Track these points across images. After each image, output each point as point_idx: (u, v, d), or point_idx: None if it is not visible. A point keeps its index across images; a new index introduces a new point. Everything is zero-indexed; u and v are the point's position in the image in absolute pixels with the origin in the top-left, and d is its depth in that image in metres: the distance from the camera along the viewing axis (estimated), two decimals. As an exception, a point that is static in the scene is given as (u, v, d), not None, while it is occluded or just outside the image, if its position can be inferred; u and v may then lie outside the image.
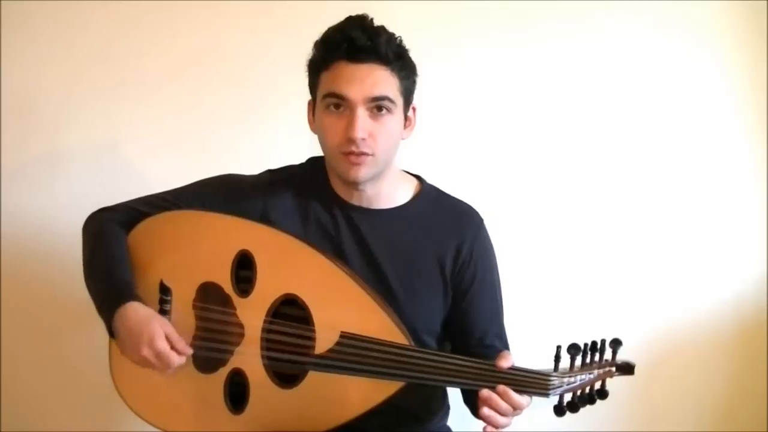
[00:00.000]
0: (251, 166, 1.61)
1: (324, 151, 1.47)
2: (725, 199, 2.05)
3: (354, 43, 1.36)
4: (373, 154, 1.40)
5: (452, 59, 2.01)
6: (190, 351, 1.42)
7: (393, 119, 1.41)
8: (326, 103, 1.40)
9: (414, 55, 1.46)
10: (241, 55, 2.02)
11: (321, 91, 1.42)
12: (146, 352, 1.36)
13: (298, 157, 1.62)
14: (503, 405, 1.27)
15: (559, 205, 2.04)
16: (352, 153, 1.39)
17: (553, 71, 2.02)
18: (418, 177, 1.59)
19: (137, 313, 1.39)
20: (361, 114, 1.37)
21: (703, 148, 2.04)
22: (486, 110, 2.03)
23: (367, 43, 1.36)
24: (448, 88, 1.99)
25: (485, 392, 1.27)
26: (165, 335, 1.38)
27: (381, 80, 1.38)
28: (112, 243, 1.51)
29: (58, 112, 2.02)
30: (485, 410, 1.27)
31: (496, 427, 1.28)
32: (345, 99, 1.37)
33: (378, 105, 1.38)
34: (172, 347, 1.39)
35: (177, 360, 1.39)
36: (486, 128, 2.04)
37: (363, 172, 1.41)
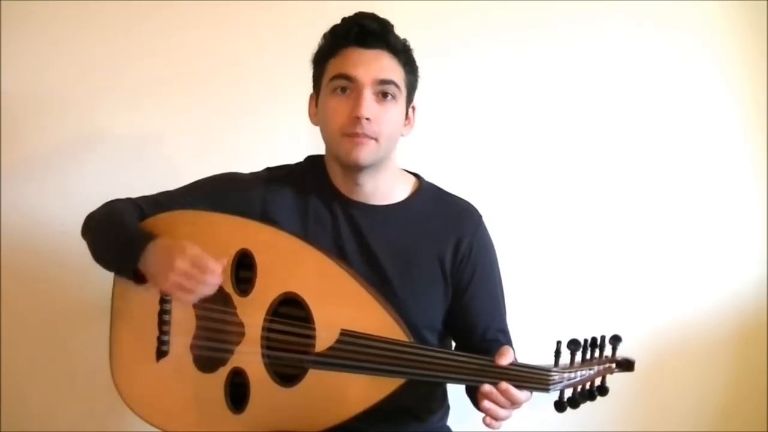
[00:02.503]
0: (250, 167, 1.61)
1: (325, 136, 1.48)
2: (725, 200, 2.05)
3: (365, 27, 1.41)
4: (375, 139, 1.41)
5: (451, 59, 2.01)
6: (224, 262, 1.38)
7: (397, 107, 1.44)
8: (333, 86, 1.42)
9: (413, 53, 1.48)
10: (240, 56, 2.03)
11: (327, 75, 1.44)
12: (180, 263, 1.32)
13: (297, 157, 1.62)
14: (503, 399, 1.27)
15: (559, 204, 2.05)
16: (356, 134, 1.40)
17: (553, 71, 2.03)
18: (416, 175, 1.59)
19: (164, 241, 1.38)
20: (368, 95, 1.40)
21: (702, 148, 2.05)
22: (485, 109, 2.04)
23: (377, 29, 1.41)
24: (448, 88, 2.00)
25: (486, 387, 1.27)
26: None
27: (389, 65, 1.42)
28: (125, 213, 1.49)
29: (58, 112, 2.02)
30: (486, 403, 1.27)
31: (496, 419, 1.28)
32: (353, 79, 1.40)
33: (384, 90, 1.41)
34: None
35: (215, 267, 1.32)
36: (485, 127, 2.04)
37: (364, 153, 1.42)
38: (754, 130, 2.03)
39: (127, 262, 1.42)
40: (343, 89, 1.41)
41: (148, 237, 1.41)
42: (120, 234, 1.45)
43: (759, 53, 2.01)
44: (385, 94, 1.42)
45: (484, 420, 1.29)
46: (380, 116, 1.41)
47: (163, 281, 1.35)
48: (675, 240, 2.05)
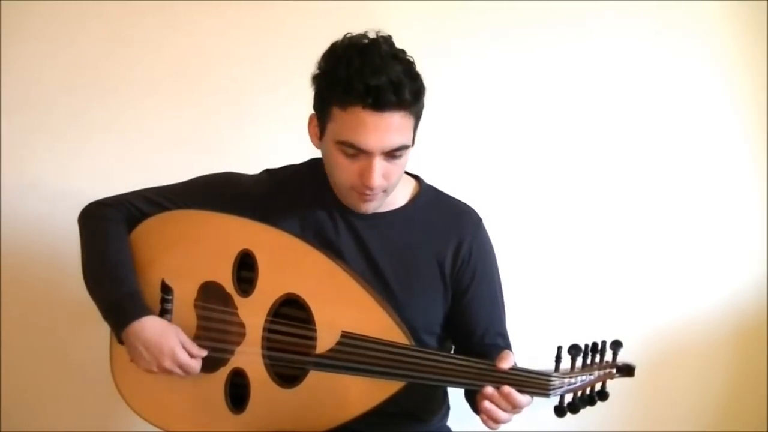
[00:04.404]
0: (251, 167, 1.61)
1: (330, 179, 1.45)
2: (725, 199, 2.05)
3: (379, 95, 1.29)
4: (385, 191, 1.41)
5: (451, 60, 2.00)
6: (204, 353, 1.47)
7: (406, 157, 1.40)
8: (340, 149, 1.35)
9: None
10: (240, 56, 2.03)
11: (334, 130, 1.35)
12: (169, 364, 1.43)
13: (297, 158, 1.61)
14: (504, 403, 1.27)
15: (559, 205, 2.05)
16: (365, 194, 1.38)
17: (552, 72, 2.02)
18: (416, 177, 1.58)
19: (153, 327, 1.45)
20: (378, 162, 1.34)
21: (702, 148, 2.04)
22: (486, 111, 2.03)
23: (392, 98, 1.29)
24: (448, 89, 1.99)
25: (489, 389, 1.27)
26: (181, 345, 1.44)
27: (399, 128, 1.33)
28: (115, 245, 1.52)
29: (58, 112, 2.03)
30: (486, 403, 1.27)
31: (495, 421, 1.28)
32: (363, 150, 1.33)
33: (394, 154, 1.35)
34: (190, 354, 1.45)
35: (198, 366, 1.45)
36: (485, 129, 2.04)
37: (373, 206, 1.43)
38: (754, 130, 2.03)
39: (113, 327, 1.49)
40: (351, 154, 1.35)
41: (138, 311, 1.45)
42: (112, 292, 1.48)
43: (759, 53, 2.01)
44: (394, 156, 1.36)
45: (482, 418, 1.29)
46: (389, 172, 1.37)
47: (147, 366, 1.45)
48: (675, 240, 2.05)
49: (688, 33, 2.02)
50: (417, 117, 1.39)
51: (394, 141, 1.33)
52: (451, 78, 2.00)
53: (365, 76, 1.29)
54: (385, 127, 1.31)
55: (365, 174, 1.35)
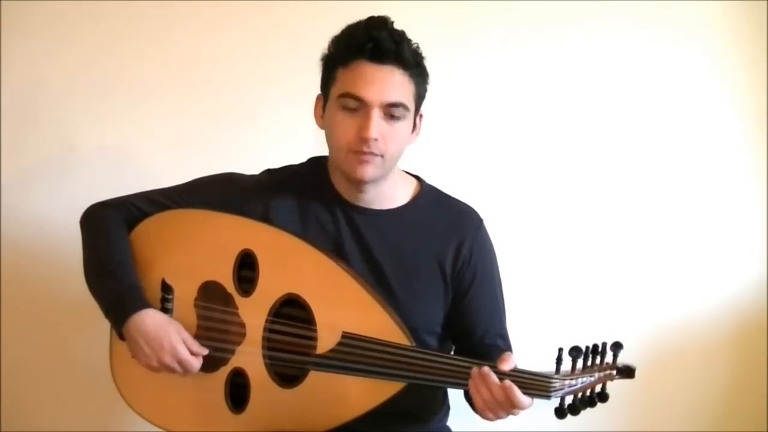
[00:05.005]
0: (251, 167, 1.61)
1: (331, 147, 1.46)
2: (725, 200, 2.05)
3: (379, 44, 1.36)
4: (382, 156, 1.40)
5: (451, 60, 2.00)
6: (205, 351, 1.46)
7: (404, 124, 1.42)
8: (341, 103, 1.39)
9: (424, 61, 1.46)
10: (240, 56, 2.03)
11: (336, 88, 1.40)
12: (169, 360, 1.42)
13: (298, 158, 1.61)
14: (502, 395, 1.25)
15: (559, 206, 2.04)
16: (362, 152, 1.39)
17: (552, 73, 2.02)
18: (417, 177, 1.59)
19: (153, 320, 1.44)
20: (376, 116, 1.37)
21: (702, 149, 2.04)
22: (486, 111, 2.03)
23: (391, 46, 1.36)
24: (448, 89, 1.99)
25: (485, 368, 1.26)
26: (182, 341, 1.44)
27: (399, 85, 1.38)
28: (116, 244, 1.53)
29: (58, 113, 2.03)
30: (470, 381, 1.27)
31: (483, 409, 1.27)
32: (362, 101, 1.37)
33: (392, 112, 1.38)
34: (191, 351, 1.45)
35: (198, 364, 1.45)
36: (485, 129, 2.04)
37: (370, 172, 1.41)
38: (754, 130, 2.03)
39: (114, 322, 1.49)
40: (352, 107, 1.38)
41: (139, 305, 1.45)
42: (112, 288, 1.48)
43: (759, 53, 2.01)
44: (393, 114, 1.39)
45: (471, 396, 1.29)
46: (387, 135, 1.39)
47: (146, 360, 1.44)
48: (675, 240, 2.05)
49: (689, 33, 2.02)
50: (417, 90, 1.43)
51: (392, 94, 1.37)
52: (451, 78, 2.00)
53: (368, 30, 1.38)
54: (382, 79, 1.37)
55: (363, 127, 1.37)
